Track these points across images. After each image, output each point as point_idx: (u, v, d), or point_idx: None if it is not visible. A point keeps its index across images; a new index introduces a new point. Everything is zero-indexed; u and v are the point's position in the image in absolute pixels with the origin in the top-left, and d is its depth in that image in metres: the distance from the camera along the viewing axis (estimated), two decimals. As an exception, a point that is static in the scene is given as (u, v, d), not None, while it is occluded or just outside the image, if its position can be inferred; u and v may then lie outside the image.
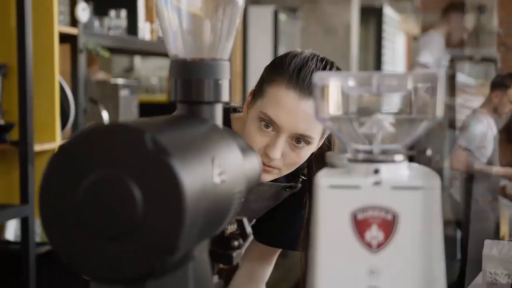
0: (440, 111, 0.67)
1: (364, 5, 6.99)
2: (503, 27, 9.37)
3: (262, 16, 5.19)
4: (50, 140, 2.58)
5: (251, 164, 0.83)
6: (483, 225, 4.16)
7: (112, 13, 3.14)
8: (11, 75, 2.52)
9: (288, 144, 1.28)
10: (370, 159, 0.68)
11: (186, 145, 0.65)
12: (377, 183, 0.66)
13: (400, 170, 0.68)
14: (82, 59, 2.75)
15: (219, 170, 0.69)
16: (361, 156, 0.69)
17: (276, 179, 1.37)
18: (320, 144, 1.36)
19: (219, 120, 0.81)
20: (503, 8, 9.34)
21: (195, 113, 0.80)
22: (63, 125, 2.70)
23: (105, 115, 3.01)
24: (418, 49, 4.32)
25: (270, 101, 1.28)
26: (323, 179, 0.67)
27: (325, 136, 1.36)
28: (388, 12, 8.05)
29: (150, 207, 0.59)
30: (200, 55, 0.82)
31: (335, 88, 0.69)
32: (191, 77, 0.80)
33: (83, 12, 2.69)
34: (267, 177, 1.32)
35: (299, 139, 1.28)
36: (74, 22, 2.73)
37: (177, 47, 0.82)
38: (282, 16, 5.36)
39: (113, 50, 3.28)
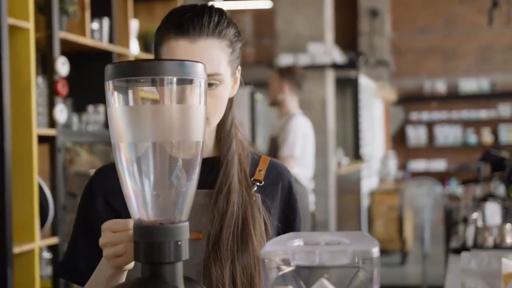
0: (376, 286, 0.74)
1: (340, 77, 7.14)
2: (396, 31, 9.65)
3: (239, 97, 5.30)
4: (29, 240, 2.61)
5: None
6: None
7: (90, 108, 3.24)
8: (-9, 177, 2.56)
9: None
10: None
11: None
12: None
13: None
14: (60, 158, 2.82)
15: None
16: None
17: None
18: (237, 82, 1.32)
19: (179, 277, 0.88)
20: (395, 13, 9.64)
21: (157, 274, 0.87)
22: (42, 223, 2.74)
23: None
24: None
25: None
26: None
27: (238, 68, 1.30)
28: (364, 81, 8.23)
29: None
30: (161, 218, 0.89)
31: (281, 261, 0.76)
32: (153, 240, 0.87)
33: (61, 113, 2.77)
34: None
35: (209, 82, 1.19)
36: (52, 122, 2.81)
37: (140, 211, 0.89)
38: (259, 96, 5.49)
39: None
